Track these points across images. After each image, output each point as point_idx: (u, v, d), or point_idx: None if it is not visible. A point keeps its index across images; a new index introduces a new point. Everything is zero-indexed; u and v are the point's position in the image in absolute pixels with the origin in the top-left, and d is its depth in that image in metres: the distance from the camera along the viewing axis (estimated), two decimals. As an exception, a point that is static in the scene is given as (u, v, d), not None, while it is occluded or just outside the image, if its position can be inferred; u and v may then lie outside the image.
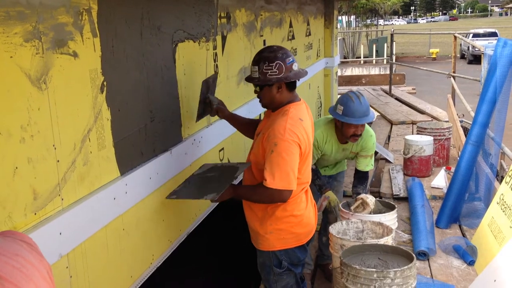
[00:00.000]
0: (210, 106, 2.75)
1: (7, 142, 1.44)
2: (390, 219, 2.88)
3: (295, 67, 2.41)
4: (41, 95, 1.57)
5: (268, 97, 2.45)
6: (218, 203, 2.60)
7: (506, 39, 3.37)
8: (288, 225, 2.46)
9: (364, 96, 3.27)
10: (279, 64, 2.36)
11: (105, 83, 1.93)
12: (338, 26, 15.20)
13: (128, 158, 2.13)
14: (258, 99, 2.52)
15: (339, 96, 3.50)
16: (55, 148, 1.64)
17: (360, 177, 3.46)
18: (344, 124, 3.19)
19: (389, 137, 6.60)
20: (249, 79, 2.48)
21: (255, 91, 2.50)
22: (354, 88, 10.42)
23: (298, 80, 2.46)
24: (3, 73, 1.42)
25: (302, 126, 2.35)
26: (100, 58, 1.89)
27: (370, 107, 8.28)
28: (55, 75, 1.63)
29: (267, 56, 2.39)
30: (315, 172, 3.28)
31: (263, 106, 2.53)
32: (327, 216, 3.74)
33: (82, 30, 1.78)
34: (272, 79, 2.37)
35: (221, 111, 2.77)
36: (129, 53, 2.11)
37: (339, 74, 10.66)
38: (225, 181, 2.37)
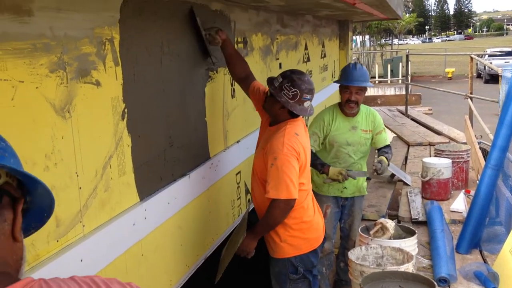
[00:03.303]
0: (212, 38, 2.61)
1: (31, 171, 1.46)
2: (410, 244, 2.84)
3: (306, 104, 2.60)
4: (64, 123, 1.60)
5: (270, 106, 2.64)
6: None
7: (524, 62, 3.35)
8: (300, 232, 2.64)
9: (363, 66, 3.53)
10: (296, 92, 2.54)
11: (126, 110, 1.96)
12: (353, 46, 15.24)
13: (148, 184, 2.15)
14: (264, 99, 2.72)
15: None
16: (77, 176, 1.66)
17: (383, 147, 3.58)
18: (341, 91, 3.46)
19: (406, 158, 6.54)
20: (269, 81, 2.64)
21: (267, 93, 2.68)
22: (370, 109, 10.37)
23: (300, 116, 2.65)
24: (29, 103, 1.46)
25: (298, 140, 2.55)
26: (122, 86, 1.93)
27: (387, 128, 8.25)
28: (78, 104, 1.66)
29: (294, 79, 2.57)
30: (313, 154, 3.33)
31: (263, 107, 2.73)
32: (346, 242, 3.71)
33: (105, 60, 1.82)
34: (282, 97, 2.55)
35: (222, 35, 2.65)
36: (149, 80, 2.15)
37: (354, 94, 10.63)
38: (241, 231, 2.61)
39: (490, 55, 22.66)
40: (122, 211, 1.94)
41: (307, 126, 3.24)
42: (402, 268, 2.47)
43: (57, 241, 1.57)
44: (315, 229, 2.70)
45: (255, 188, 2.71)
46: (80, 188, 1.68)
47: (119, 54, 1.91)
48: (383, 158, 3.47)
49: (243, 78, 2.87)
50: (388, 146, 3.60)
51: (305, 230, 2.65)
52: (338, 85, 7.73)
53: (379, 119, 3.59)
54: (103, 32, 1.81)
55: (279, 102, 2.56)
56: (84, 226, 1.70)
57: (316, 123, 3.51)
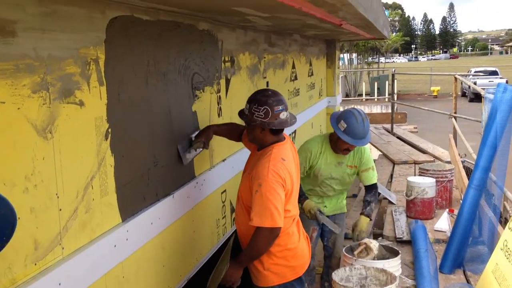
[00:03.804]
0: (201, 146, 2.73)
1: (10, 193, 1.44)
2: (393, 265, 2.85)
3: (282, 115, 2.53)
4: (46, 144, 1.59)
5: (251, 134, 2.61)
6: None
7: (506, 85, 3.41)
8: (284, 259, 2.56)
9: (367, 119, 3.35)
10: (266, 109, 2.50)
11: (109, 130, 1.95)
12: (340, 64, 15.42)
13: (130, 204, 2.13)
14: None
15: (341, 111, 3.43)
16: (58, 197, 1.64)
17: (369, 187, 3.55)
18: (340, 138, 3.29)
19: (391, 176, 6.58)
20: (240, 113, 2.63)
21: (245, 125, 2.66)
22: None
23: (282, 128, 2.58)
24: (10, 124, 1.44)
25: (284, 166, 2.48)
26: (106, 106, 1.92)
27: (373, 146, 8.32)
28: (61, 124, 1.65)
29: (258, 99, 2.54)
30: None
31: (249, 140, 2.70)
32: (330, 261, 3.70)
33: (89, 79, 1.81)
34: (256, 121, 2.51)
35: (208, 143, 2.76)
36: (135, 100, 2.15)
37: (341, 112, 10.71)
38: (225, 259, 2.57)
39: (474, 75, 23.06)
40: (103, 232, 1.91)
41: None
42: (386, 290, 2.46)
43: (35, 264, 1.54)
44: (300, 256, 2.63)
45: (240, 214, 2.65)
46: (60, 209, 1.66)
47: (104, 74, 1.90)
48: (363, 226, 3.37)
49: (237, 137, 2.93)
50: (373, 188, 3.53)
51: (289, 257, 2.57)
52: (326, 103, 7.78)
53: (368, 157, 3.51)
54: (88, 52, 1.80)
55: (257, 127, 2.52)
56: (63, 248, 1.67)
57: (303, 153, 3.43)
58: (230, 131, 2.96)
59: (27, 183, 1.51)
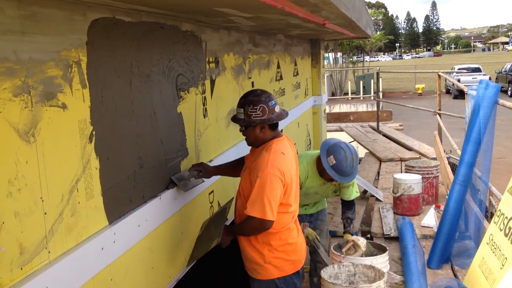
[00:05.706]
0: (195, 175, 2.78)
1: (-7, 197, 1.43)
2: (381, 261, 2.87)
3: (277, 109, 2.62)
4: (29, 148, 1.57)
5: (252, 136, 2.64)
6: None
7: (488, 81, 3.46)
8: (284, 254, 2.63)
9: (357, 157, 3.34)
10: (262, 107, 2.56)
11: (94, 132, 1.94)
12: (326, 63, 15.54)
13: (117, 206, 2.12)
14: (244, 137, 2.73)
15: (332, 143, 3.36)
16: (42, 201, 1.63)
17: (347, 204, 3.58)
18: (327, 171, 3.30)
19: (378, 173, 6.63)
20: (235, 119, 2.66)
21: (240, 130, 2.69)
22: (343, 125, 10.53)
23: (278, 123, 2.66)
24: (-8, 128, 1.43)
25: (284, 160, 2.54)
26: (89, 108, 1.91)
27: (360, 144, 8.33)
28: (43, 127, 1.64)
29: (251, 100, 2.58)
30: None
31: (248, 144, 2.73)
32: (316, 255, 3.73)
33: (72, 82, 1.80)
34: (256, 121, 2.56)
35: (206, 174, 2.85)
36: (118, 102, 2.13)
37: (327, 111, 10.80)
38: (220, 226, 2.62)
39: (458, 72, 23.32)
40: (90, 235, 1.90)
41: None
42: (374, 285, 2.48)
43: (21, 268, 1.53)
44: (299, 251, 2.69)
45: (241, 209, 2.65)
46: (46, 213, 1.64)
47: (87, 76, 1.89)
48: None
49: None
50: (352, 205, 3.57)
51: (289, 252, 2.63)
52: (312, 102, 7.80)
53: None
54: (69, 54, 1.79)
55: (256, 126, 2.57)
56: (49, 252, 1.66)
57: None
58: (233, 167, 2.99)
59: (11, 187, 1.49)
